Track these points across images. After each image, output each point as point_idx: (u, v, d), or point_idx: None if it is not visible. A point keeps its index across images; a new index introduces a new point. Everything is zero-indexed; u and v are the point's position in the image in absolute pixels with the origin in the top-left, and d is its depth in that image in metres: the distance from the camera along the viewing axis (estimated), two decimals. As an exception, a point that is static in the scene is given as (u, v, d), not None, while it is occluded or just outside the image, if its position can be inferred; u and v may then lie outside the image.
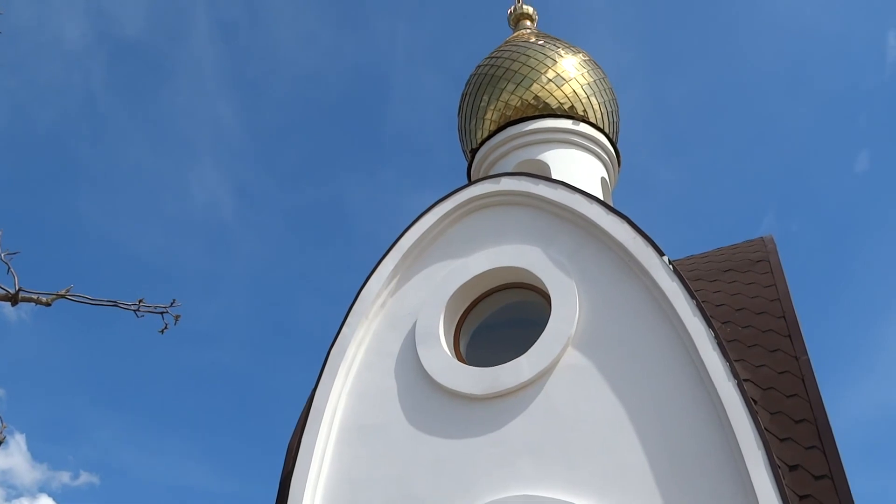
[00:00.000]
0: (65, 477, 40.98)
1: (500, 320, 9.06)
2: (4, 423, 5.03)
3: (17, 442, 39.79)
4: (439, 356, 8.29)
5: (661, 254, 7.90)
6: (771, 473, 6.47)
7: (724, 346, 7.24)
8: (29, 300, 5.20)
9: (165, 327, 5.52)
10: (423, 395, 8.17)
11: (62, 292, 5.24)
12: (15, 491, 40.46)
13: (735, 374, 7.02)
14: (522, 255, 8.68)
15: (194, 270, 38.18)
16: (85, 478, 40.48)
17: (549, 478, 7.24)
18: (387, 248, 9.17)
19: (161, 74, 35.98)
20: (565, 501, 7.01)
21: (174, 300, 5.49)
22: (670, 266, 7.80)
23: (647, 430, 7.18)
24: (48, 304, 5.17)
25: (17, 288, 5.19)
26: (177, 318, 5.54)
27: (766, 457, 6.56)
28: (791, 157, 34.81)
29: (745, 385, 7.18)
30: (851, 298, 33.14)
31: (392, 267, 9.03)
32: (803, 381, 7.38)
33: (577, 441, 7.35)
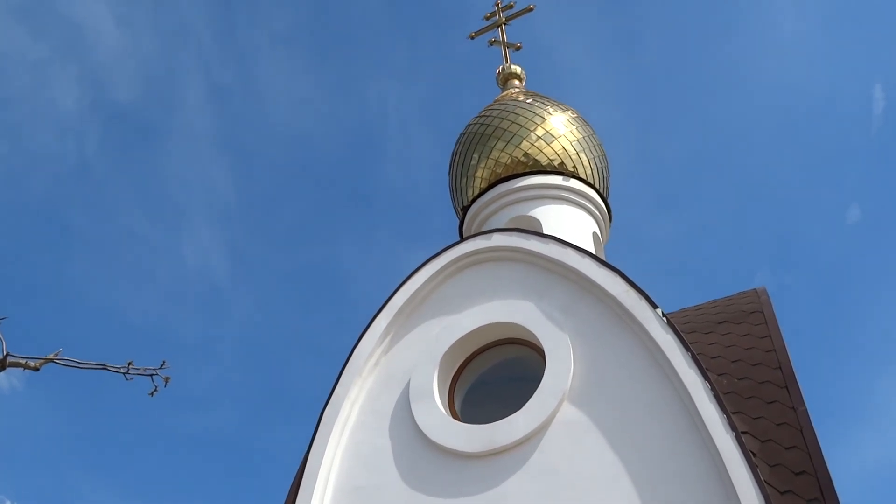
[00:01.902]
0: (60, 546, 40.17)
1: (495, 377, 8.99)
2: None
3: (3, 508, 39.04)
4: (434, 414, 8.20)
5: (655, 306, 7.88)
6: (773, 528, 6.36)
7: (721, 398, 7.17)
8: (17, 365, 5.15)
9: (155, 389, 5.47)
10: (418, 454, 8.06)
11: (50, 356, 5.20)
12: (4, 563, 39.57)
13: (733, 427, 6.94)
14: (515, 311, 8.66)
15: (187, 335, 37.95)
16: (80, 546, 39.71)
17: (548, 537, 7.11)
18: (379, 307, 9.14)
19: (154, 139, 36.28)
20: (565, 561, 6.89)
21: (164, 362, 5.44)
22: (664, 318, 7.77)
23: (645, 486, 7.07)
24: (36, 369, 5.12)
25: (4, 353, 5.13)
26: (167, 379, 5.49)
27: (767, 511, 6.45)
28: (783, 211, 35.12)
29: (744, 437, 7.11)
30: (848, 350, 33.14)
31: (385, 325, 8.99)
32: (802, 432, 7.30)
33: (574, 499, 7.23)
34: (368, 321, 9.08)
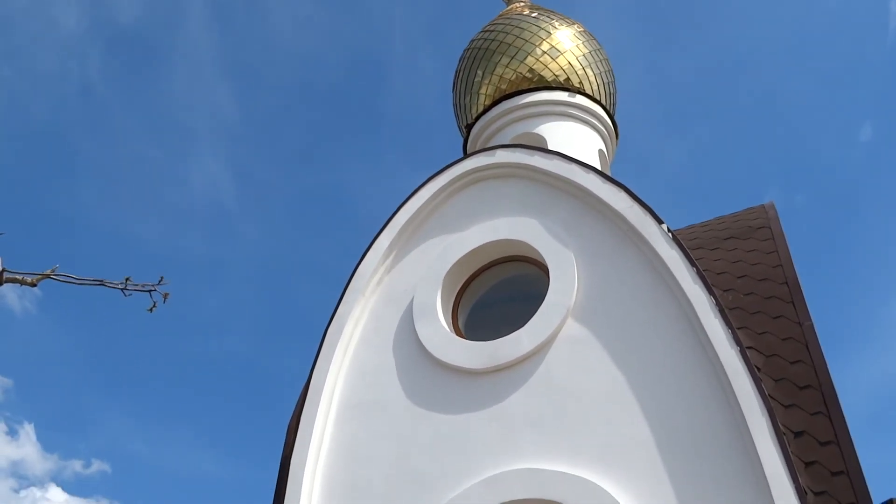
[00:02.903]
0: (77, 465, 41.20)
1: (499, 295, 8.94)
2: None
3: (27, 432, 39.95)
4: (437, 331, 8.18)
5: (660, 222, 7.78)
6: (776, 440, 6.37)
7: (726, 314, 7.12)
8: (14, 281, 5.09)
9: (154, 305, 5.42)
10: (421, 371, 8.08)
11: (47, 272, 5.14)
12: (27, 481, 40.66)
13: (738, 342, 6.91)
14: (519, 228, 8.56)
15: (197, 259, 38.13)
16: (97, 466, 40.72)
17: (551, 451, 7.15)
18: (382, 225, 9.05)
19: (157, 61, 35.81)
20: (567, 474, 6.92)
21: (161, 278, 5.38)
22: (669, 234, 7.67)
23: (649, 401, 7.08)
24: (33, 285, 5.07)
25: (0, 269, 5.07)
26: (165, 295, 5.43)
27: (770, 424, 6.46)
28: (794, 129, 34.60)
29: (749, 352, 7.07)
30: (858, 271, 33.05)
31: (388, 244, 8.91)
32: (807, 346, 7.27)
33: (578, 413, 7.25)
34: (371, 240, 9.00)
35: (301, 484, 7.67)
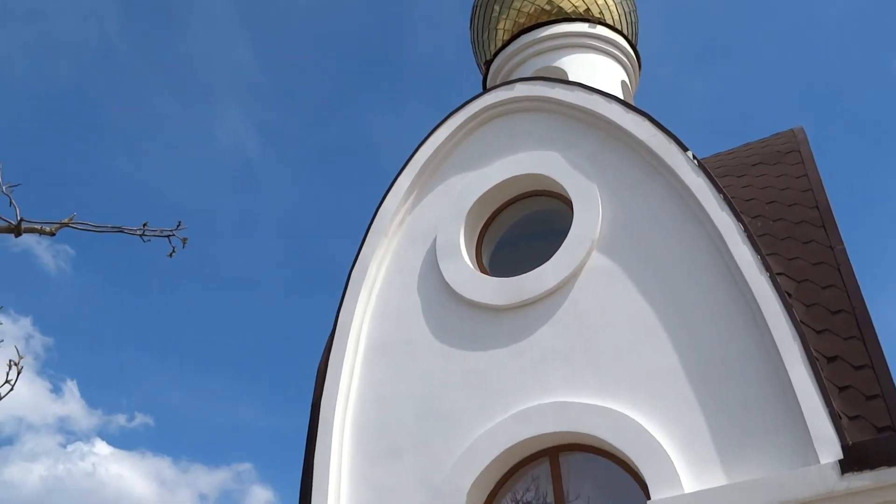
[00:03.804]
0: (121, 420, 42.17)
1: (523, 231, 8.83)
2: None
3: (71, 389, 40.84)
4: (462, 269, 8.11)
5: (685, 149, 7.60)
6: (809, 365, 6.27)
7: (755, 240, 6.97)
8: (32, 231, 5.09)
9: (173, 251, 5.37)
10: (447, 310, 8.03)
11: (65, 221, 5.12)
12: (73, 436, 41.73)
13: (767, 268, 6.77)
14: (541, 162, 8.41)
15: (225, 214, 38.30)
16: (140, 419, 41.64)
17: (579, 383, 7.11)
18: (402, 165, 8.94)
19: (176, 16, 35.55)
20: (597, 406, 6.89)
21: (179, 222, 5.32)
22: (695, 161, 7.50)
23: (677, 330, 6.99)
24: (52, 234, 5.06)
25: (18, 219, 5.06)
26: (184, 240, 5.38)
27: (802, 350, 6.35)
28: (825, 60, 33.74)
29: (779, 279, 6.94)
30: (888, 196, 32.43)
31: (408, 183, 8.81)
32: (839, 271, 7.12)
33: (605, 345, 7.19)
34: (391, 180, 8.90)
35: (332, 425, 7.72)
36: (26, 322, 40.25)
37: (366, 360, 8.13)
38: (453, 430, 7.40)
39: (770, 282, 6.68)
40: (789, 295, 6.95)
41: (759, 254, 6.84)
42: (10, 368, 4.78)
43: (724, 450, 6.42)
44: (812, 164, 8.29)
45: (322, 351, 8.84)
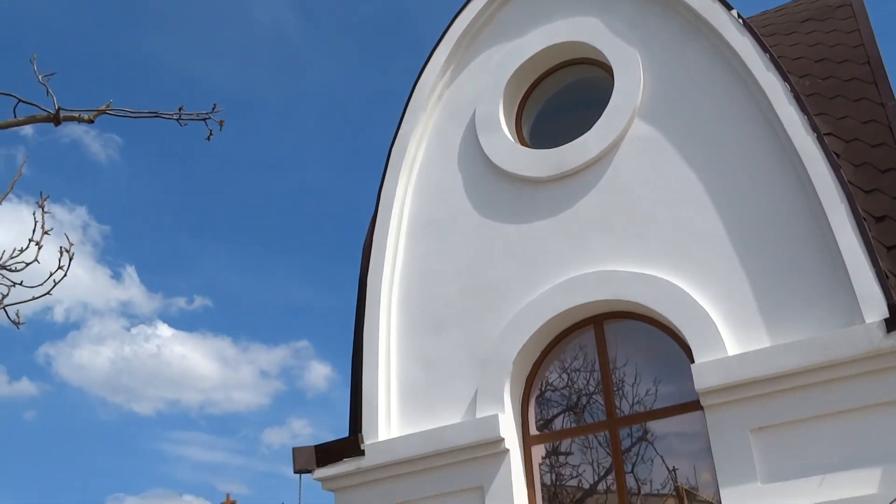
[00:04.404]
0: (181, 302, 43.79)
1: (563, 102, 8.66)
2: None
3: (130, 274, 42.26)
4: (502, 142, 8.04)
5: (730, 7, 7.30)
6: (856, 226, 6.18)
7: (802, 100, 6.77)
8: (71, 118, 5.15)
9: (210, 134, 5.39)
10: (488, 184, 8.01)
11: (102, 108, 5.17)
12: (136, 319, 43.46)
13: (814, 128, 6.59)
14: (579, 29, 8.16)
15: (268, 97, 38.22)
16: (199, 302, 43.16)
17: (623, 252, 7.12)
18: (438, 38, 8.75)
19: None
20: (640, 273, 6.91)
21: (215, 105, 5.32)
22: (740, 20, 7.22)
23: (721, 196, 6.91)
24: (91, 121, 5.12)
25: (56, 107, 5.12)
26: (221, 123, 5.39)
27: (849, 209, 6.25)
28: None
29: (827, 139, 6.76)
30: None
31: (445, 57, 8.63)
32: (891, 128, 6.91)
33: (648, 213, 7.15)
34: (428, 54, 8.74)
35: (379, 300, 7.87)
36: (82, 211, 41.42)
37: (409, 236, 8.21)
38: (498, 301, 7.50)
39: (817, 142, 6.51)
40: (837, 155, 6.79)
41: (805, 114, 6.65)
42: (61, 255, 4.92)
43: (768, 312, 6.43)
44: (864, 17, 7.94)
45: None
